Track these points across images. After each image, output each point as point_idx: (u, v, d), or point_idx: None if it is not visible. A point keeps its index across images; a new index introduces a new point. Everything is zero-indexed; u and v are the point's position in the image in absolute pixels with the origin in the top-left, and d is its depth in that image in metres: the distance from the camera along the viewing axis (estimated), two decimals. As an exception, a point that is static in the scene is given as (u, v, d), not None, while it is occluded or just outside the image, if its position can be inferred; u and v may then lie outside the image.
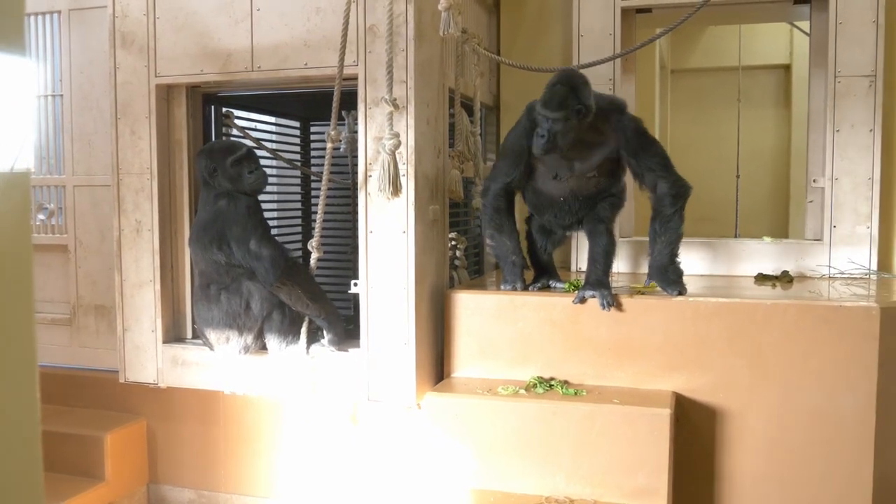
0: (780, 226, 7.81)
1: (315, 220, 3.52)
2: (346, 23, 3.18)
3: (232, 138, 4.03)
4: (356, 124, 3.56)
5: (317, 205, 4.86)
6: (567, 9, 4.46)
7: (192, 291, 3.85)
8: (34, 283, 1.19)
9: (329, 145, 3.36)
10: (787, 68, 8.11)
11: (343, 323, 3.66)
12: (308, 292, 3.48)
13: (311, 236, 3.53)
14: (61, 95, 4.44)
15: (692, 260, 4.17)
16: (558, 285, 3.67)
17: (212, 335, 3.61)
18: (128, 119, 3.79)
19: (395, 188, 2.87)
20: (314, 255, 3.48)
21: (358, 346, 3.52)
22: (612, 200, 3.51)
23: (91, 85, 4.34)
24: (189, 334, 3.92)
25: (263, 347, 3.64)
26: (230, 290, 3.53)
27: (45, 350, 4.42)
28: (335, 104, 3.27)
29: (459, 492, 3.22)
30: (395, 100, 3.06)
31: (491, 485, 3.22)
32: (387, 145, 2.85)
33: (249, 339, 3.59)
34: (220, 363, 3.69)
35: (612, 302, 3.31)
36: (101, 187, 4.30)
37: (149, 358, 3.83)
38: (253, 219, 3.48)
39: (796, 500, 3.22)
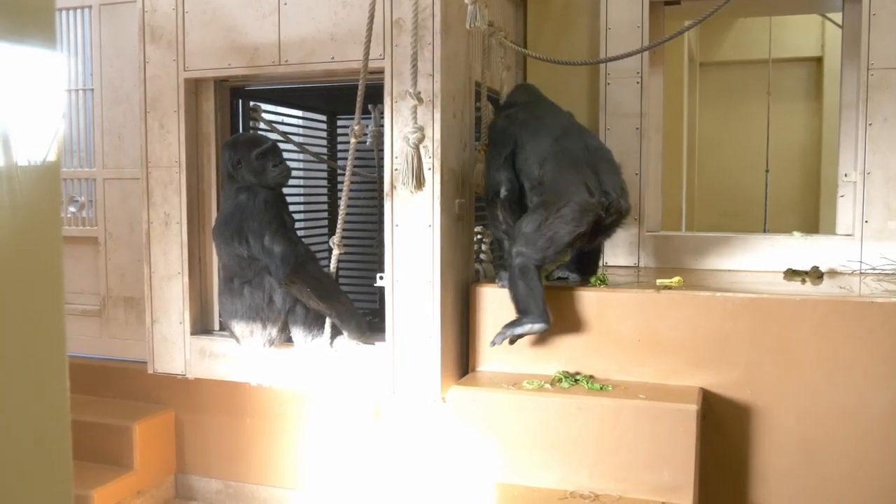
0: (811, 221, 7.72)
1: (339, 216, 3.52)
2: (372, 16, 3.18)
3: (258, 132, 4.06)
4: (382, 118, 3.56)
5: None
6: (594, 1, 4.43)
7: (218, 284, 3.88)
8: (64, 274, 1.20)
9: (353, 140, 3.36)
10: (818, 61, 7.99)
11: (359, 317, 3.66)
12: (316, 291, 3.47)
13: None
14: (92, 90, 4.49)
15: (720, 255, 4.13)
16: (572, 276, 3.62)
17: (236, 328, 3.64)
18: (157, 113, 3.83)
19: (419, 182, 2.86)
20: (335, 252, 3.49)
21: (382, 339, 3.53)
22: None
23: (121, 79, 4.39)
24: (217, 326, 3.96)
25: (289, 340, 3.66)
26: (252, 284, 3.56)
27: (74, 341, 4.48)
28: (359, 98, 3.28)
29: (483, 486, 3.22)
30: (419, 93, 3.05)
31: (515, 479, 3.22)
32: (411, 139, 2.84)
33: (273, 332, 3.62)
34: (246, 355, 3.72)
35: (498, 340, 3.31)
36: (130, 180, 4.35)
37: (177, 349, 3.87)
38: (269, 213, 3.50)
39: (824, 497, 3.18)
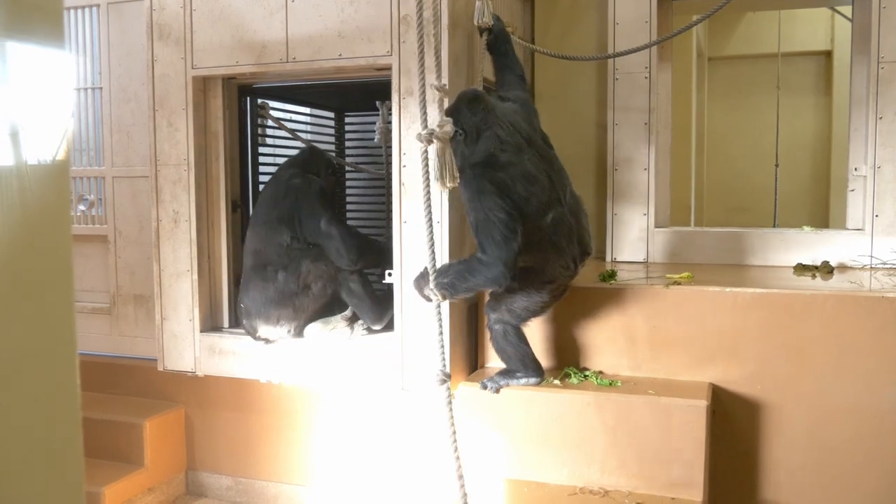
0: (821, 215, 7.69)
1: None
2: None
3: (265, 129, 4.09)
4: (390, 114, 3.56)
5: (351, 194, 4.90)
6: (602, -4, 4.42)
7: (241, 275, 3.89)
8: (74, 272, 1.21)
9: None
10: (828, 55, 7.96)
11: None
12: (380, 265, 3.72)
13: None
14: (101, 88, 4.50)
15: (730, 250, 4.11)
16: None
17: (261, 316, 3.67)
18: (165, 111, 3.84)
19: (453, 177, 2.78)
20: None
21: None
22: None
23: (129, 77, 4.40)
24: (226, 323, 3.97)
25: (301, 333, 3.70)
26: (288, 270, 3.62)
27: (85, 339, 4.50)
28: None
29: (493, 481, 3.22)
30: (444, 86, 2.96)
31: (525, 475, 3.21)
32: (438, 133, 2.74)
33: (302, 319, 3.71)
34: (257, 352, 3.73)
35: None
36: (139, 178, 4.36)
37: (186, 347, 3.88)
38: (326, 199, 3.76)
39: (834, 492, 3.17)
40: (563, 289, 3.22)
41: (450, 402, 2.52)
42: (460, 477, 2.53)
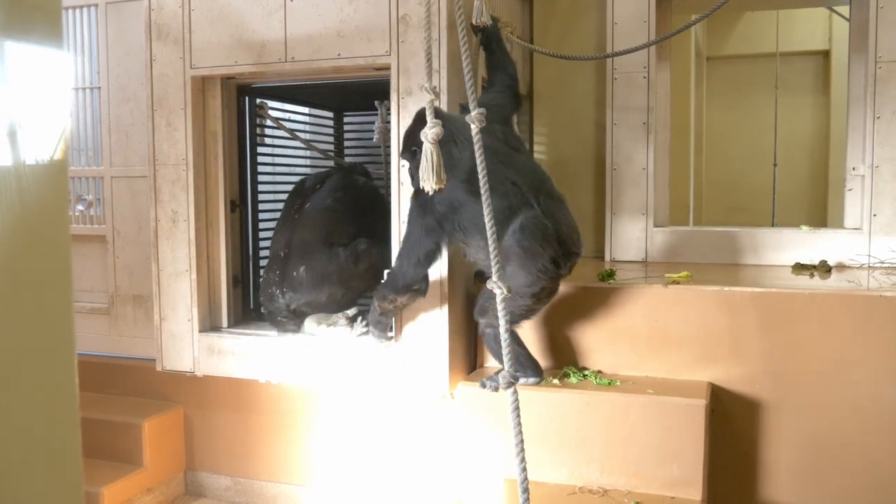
0: (819, 214, 7.69)
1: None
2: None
3: (265, 128, 4.09)
4: (389, 114, 3.56)
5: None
6: (601, -4, 4.42)
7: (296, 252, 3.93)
8: (72, 272, 1.21)
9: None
10: (825, 54, 7.96)
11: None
12: None
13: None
14: (99, 88, 4.50)
15: (728, 249, 4.12)
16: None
17: (321, 293, 3.76)
18: (164, 111, 3.84)
19: (439, 178, 2.80)
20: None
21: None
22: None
23: (128, 77, 4.39)
24: (225, 323, 3.96)
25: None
26: (347, 248, 3.79)
27: (83, 339, 4.50)
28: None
29: (492, 481, 3.22)
30: (435, 87, 2.98)
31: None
32: (429, 134, 2.78)
33: (355, 296, 3.88)
34: (256, 352, 3.73)
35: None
36: (138, 178, 4.36)
37: (185, 347, 3.88)
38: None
39: (834, 492, 3.17)
40: (551, 291, 3.19)
41: (517, 406, 2.40)
42: (524, 480, 2.33)
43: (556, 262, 3.05)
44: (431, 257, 3.14)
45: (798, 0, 6.19)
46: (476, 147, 2.36)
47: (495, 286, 2.38)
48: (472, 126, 2.40)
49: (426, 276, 3.23)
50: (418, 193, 3.07)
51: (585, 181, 4.55)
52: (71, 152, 4.55)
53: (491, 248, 2.35)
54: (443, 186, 2.77)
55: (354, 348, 3.57)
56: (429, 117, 2.75)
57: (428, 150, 2.73)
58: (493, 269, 2.33)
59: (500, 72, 3.50)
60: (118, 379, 4.39)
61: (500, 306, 2.33)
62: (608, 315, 3.39)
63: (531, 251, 3.00)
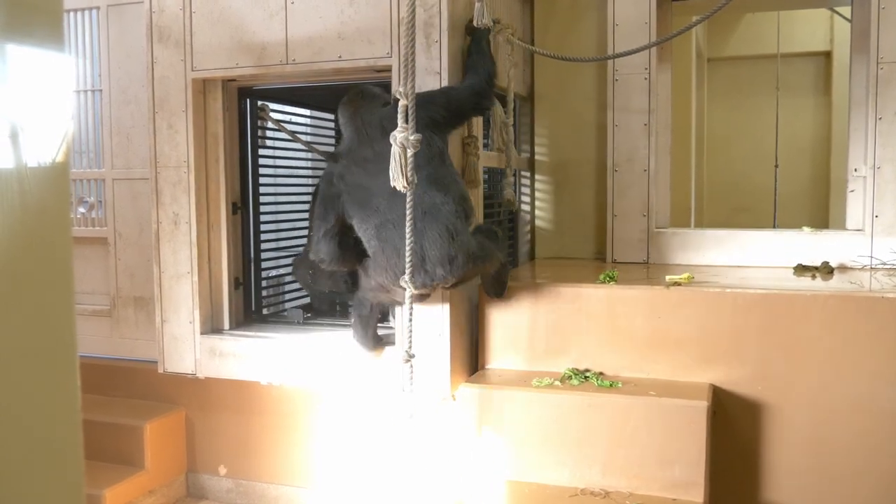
0: (820, 216, 7.69)
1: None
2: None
3: (266, 131, 4.09)
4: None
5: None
6: (602, -3, 4.42)
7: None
8: (74, 275, 1.21)
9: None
10: (827, 55, 7.96)
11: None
12: None
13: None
14: (100, 90, 4.51)
15: (730, 251, 4.11)
16: None
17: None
18: (165, 113, 3.84)
19: (407, 180, 2.84)
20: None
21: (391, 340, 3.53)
22: None
23: (129, 80, 4.40)
24: (226, 325, 3.96)
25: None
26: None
27: (85, 341, 4.50)
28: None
29: (494, 483, 3.22)
30: (408, 93, 2.98)
31: (526, 476, 3.21)
32: (398, 138, 2.82)
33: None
34: (257, 354, 3.73)
35: None
36: (139, 180, 4.36)
37: (187, 349, 3.88)
38: None
39: (835, 493, 3.17)
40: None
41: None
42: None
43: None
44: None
45: (799, 1, 6.19)
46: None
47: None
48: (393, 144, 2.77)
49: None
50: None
51: (586, 183, 4.55)
52: (72, 155, 4.55)
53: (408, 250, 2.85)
54: (409, 188, 2.85)
55: (355, 349, 3.57)
56: (400, 121, 2.80)
57: (396, 153, 2.81)
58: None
59: (469, 70, 3.44)
60: (120, 381, 4.39)
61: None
62: (610, 317, 3.39)
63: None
